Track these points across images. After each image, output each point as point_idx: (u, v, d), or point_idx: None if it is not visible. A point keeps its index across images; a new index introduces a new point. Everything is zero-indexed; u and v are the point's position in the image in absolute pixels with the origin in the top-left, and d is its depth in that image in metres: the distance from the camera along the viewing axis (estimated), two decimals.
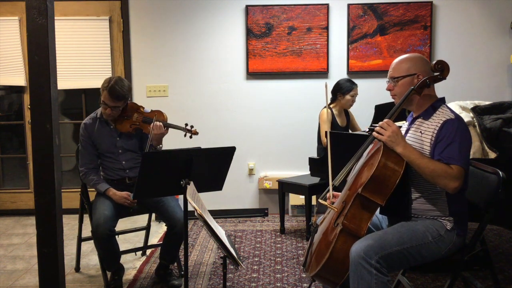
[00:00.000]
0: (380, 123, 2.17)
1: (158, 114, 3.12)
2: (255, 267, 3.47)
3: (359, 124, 4.41)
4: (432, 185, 2.14)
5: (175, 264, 3.35)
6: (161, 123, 3.06)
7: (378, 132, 2.15)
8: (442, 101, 2.25)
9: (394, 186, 2.07)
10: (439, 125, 2.13)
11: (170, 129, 3.12)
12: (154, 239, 4.09)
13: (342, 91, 4.11)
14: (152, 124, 3.04)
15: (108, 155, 3.20)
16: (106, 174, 3.23)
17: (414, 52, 4.63)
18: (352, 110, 4.36)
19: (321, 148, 4.14)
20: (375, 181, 2.06)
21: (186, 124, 3.11)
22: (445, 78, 2.24)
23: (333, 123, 4.11)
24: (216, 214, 4.67)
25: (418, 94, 2.20)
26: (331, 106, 4.18)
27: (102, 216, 2.90)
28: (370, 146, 2.30)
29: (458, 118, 2.14)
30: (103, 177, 3.24)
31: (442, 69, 2.22)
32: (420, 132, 2.19)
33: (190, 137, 3.13)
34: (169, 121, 3.16)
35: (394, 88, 2.28)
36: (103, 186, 3.13)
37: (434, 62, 2.23)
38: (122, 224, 3.00)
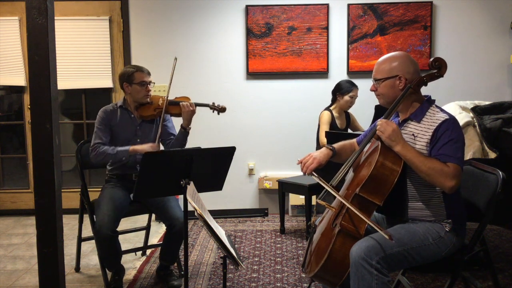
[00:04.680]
0: (379, 122, 2.17)
1: (182, 98, 3.26)
2: (255, 267, 3.47)
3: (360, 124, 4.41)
4: (430, 189, 2.14)
5: (175, 264, 3.35)
6: (191, 102, 3.18)
7: (378, 130, 2.15)
8: (429, 101, 2.23)
9: (392, 185, 2.06)
10: (435, 126, 2.11)
11: (198, 109, 3.23)
12: (154, 239, 4.09)
13: (341, 92, 4.12)
14: (181, 104, 3.17)
15: (125, 143, 3.18)
16: (113, 168, 3.21)
17: (415, 52, 4.67)
18: (352, 110, 4.36)
19: (319, 149, 4.14)
20: (373, 180, 2.06)
21: (213, 103, 3.26)
22: (442, 76, 2.22)
23: (333, 125, 4.12)
24: (216, 214, 4.67)
25: (416, 92, 2.20)
26: (331, 108, 4.19)
27: (106, 216, 2.89)
28: (368, 146, 2.29)
29: (452, 118, 2.13)
30: (108, 171, 3.24)
31: (439, 67, 2.21)
32: (413, 135, 2.17)
33: (218, 113, 3.28)
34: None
35: (377, 89, 2.27)
36: (124, 147, 3.10)
37: (431, 59, 2.21)
38: (122, 224, 3.00)
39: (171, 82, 3.18)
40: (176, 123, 3.33)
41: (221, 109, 3.26)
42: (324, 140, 3.98)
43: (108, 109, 3.21)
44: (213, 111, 3.29)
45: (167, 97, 3.18)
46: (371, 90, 2.31)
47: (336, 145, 2.43)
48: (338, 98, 4.16)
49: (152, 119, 3.26)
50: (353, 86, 4.13)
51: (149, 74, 3.22)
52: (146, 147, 3.08)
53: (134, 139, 3.21)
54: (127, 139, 3.20)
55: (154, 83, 3.26)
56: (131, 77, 3.15)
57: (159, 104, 3.22)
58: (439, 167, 2.01)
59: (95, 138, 3.14)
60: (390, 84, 2.22)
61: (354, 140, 2.55)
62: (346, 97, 4.12)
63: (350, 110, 4.32)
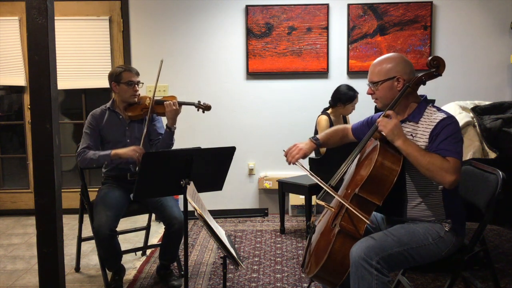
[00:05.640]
0: (380, 118, 2.15)
1: (169, 97, 3.26)
2: (255, 267, 3.47)
3: (357, 122, 4.39)
4: (429, 188, 2.13)
5: (175, 264, 3.35)
6: (174, 101, 3.17)
7: (381, 123, 2.13)
8: (426, 100, 2.22)
9: (392, 185, 2.06)
10: (433, 125, 2.10)
11: (183, 108, 3.23)
12: (154, 239, 4.09)
13: (343, 101, 4.02)
14: (165, 103, 3.17)
15: (115, 145, 3.18)
16: (108, 170, 3.22)
17: (415, 52, 4.67)
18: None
19: (318, 151, 4.13)
20: (372, 180, 2.06)
21: (199, 101, 3.24)
22: (441, 75, 2.21)
23: None
24: (216, 214, 4.67)
25: (414, 91, 2.19)
26: (328, 112, 4.13)
27: (104, 216, 2.90)
28: (367, 145, 2.29)
29: (450, 116, 2.13)
30: (104, 173, 3.25)
31: (437, 65, 2.19)
32: (411, 135, 2.16)
33: (203, 111, 3.26)
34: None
35: (375, 92, 2.24)
36: (106, 151, 3.08)
37: (430, 58, 2.19)
38: (122, 224, 3.01)
39: (157, 83, 3.19)
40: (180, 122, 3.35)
41: (206, 107, 3.24)
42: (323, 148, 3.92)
43: (96, 112, 3.24)
44: (198, 110, 3.26)
45: (153, 97, 3.19)
46: (368, 93, 2.28)
47: (320, 136, 2.50)
48: (338, 106, 4.06)
49: (141, 119, 3.26)
50: (355, 94, 4.03)
51: (137, 74, 3.23)
52: (127, 151, 3.05)
53: (123, 140, 3.22)
54: (116, 140, 3.21)
55: (142, 83, 3.26)
56: (119, 76, 3.17)
57: (146, 104, 3.22)
58: (439, 161, 2.00)
59: (82, 143, 3.17)
60: (388, 86, 2.20)
61: (347, 126, 2.57)
62: (348, 106, 4.04)
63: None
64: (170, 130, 3.19)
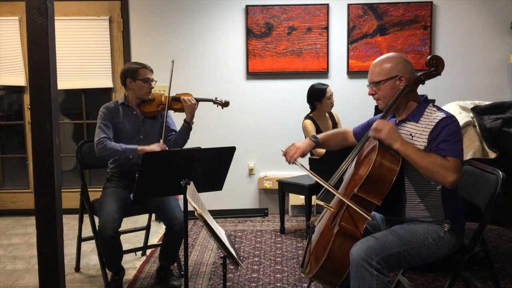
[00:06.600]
0: (374, 124, 2.15)
1: (184, 94, 3.32)
2: (255, 267, 3.47)
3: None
4: (428, 189, 2.13)
5: (175, 264, 3.35)
6: (191, 97, 3.24)
7: (375, 130, 2.13)
8: (426, 100, 2.22)
9: (391, 185, 2.05)
10: (433, 125, 2.10)
11: (201, 107, 3.29)
12: (154, 239, 4.09)
13: (317, 99, 4.03)
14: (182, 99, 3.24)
15: (129, 141, 3.17)
16: (115, 166, 3.20)
17: (415, 52, 4.67)
18: (352, 110, 4.35)
19: (313, 155, 4.11)
20: (371, 180, 2.05)
21: (216, 98, 3.32)
22: (440, 74, 2.20)
23: (318, 131, 4.03)
24: (216, 214, 4.67)
25: (413, 90, 2.19)
26: (311, 115, 4.11)
27: (110, 217, 2.89)
28: (366, 145, 2.29)
29: (450, 115, 2.12)
30: (110, 169, 3.23)
31: (437, 65, 2.18)
32: (411, 135, 2.16)
33: (222, 107, 3.34)
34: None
35: (377, 92, 2.23)
36: (133, 146, 3.07)
37: (428, 57, 2.19)
38: (123, 224, 3.00)
39: (170, 83, 3.18)
40: (177, 120, 3.36)
41: (224, 104, 3.31)
42: (319, 149, 3.90)
43: (110, 106, 3.21)
44: (217, 106, 3.33)
45: (169, 93, 3.20)
46: (369, 94, 2.28)
47: (320, 136, 2.52)
48: (317, 106, 4.06)
49: (153, 116, 3.27)
50: (325, 87, 4.03)
51: (152, 71, 3.26)
52: (154, 147, 3.07)
53: (137, 136, 3.21)
54: (130, 136, 3.20)
55: (156, 81, 3.29)
56: (136, 73, 3.17)
57: (162, 100, 3.24)
58: (439, 161, 2.00)
59: (100, 133, 3.09)
60: (391, 85, 2.19)
61: (347, 130, 2.58)
62: (325, 101, 4.03)
63: (338, 111, 4.27)
64: (189, 125, 3.23)
